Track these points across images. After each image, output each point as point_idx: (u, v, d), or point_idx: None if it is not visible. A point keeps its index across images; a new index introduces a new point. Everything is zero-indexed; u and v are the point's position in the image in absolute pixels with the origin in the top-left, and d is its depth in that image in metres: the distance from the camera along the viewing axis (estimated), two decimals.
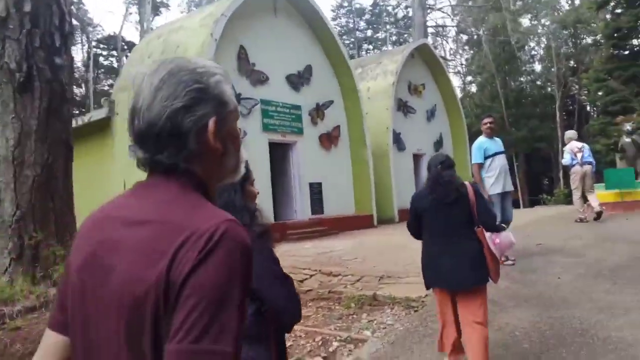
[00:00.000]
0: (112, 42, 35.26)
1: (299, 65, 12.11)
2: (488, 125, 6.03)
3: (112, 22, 75.44)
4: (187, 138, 0.84)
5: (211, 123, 0.85)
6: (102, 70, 36.19)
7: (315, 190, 12.63)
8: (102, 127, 11.30)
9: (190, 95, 0.84)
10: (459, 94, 36.15)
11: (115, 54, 35.09)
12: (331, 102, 12.98)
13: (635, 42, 25.10)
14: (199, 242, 0.75)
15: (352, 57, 26.51)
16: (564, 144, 9.17)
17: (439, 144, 17.12)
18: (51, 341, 0.91)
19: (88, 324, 0.83)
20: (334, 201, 12.88)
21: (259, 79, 11.09)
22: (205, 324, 0.71)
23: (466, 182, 3.18)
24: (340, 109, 13.42)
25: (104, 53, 36.34)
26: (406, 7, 39.00)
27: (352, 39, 41.75)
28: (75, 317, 0.86)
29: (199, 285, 0.73)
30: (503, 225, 3.43)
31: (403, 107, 15.61)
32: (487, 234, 3.01)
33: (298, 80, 12.12)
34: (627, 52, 24.82)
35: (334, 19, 41.78)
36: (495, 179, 5.76)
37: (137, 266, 0.77)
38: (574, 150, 8.60)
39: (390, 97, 14.27)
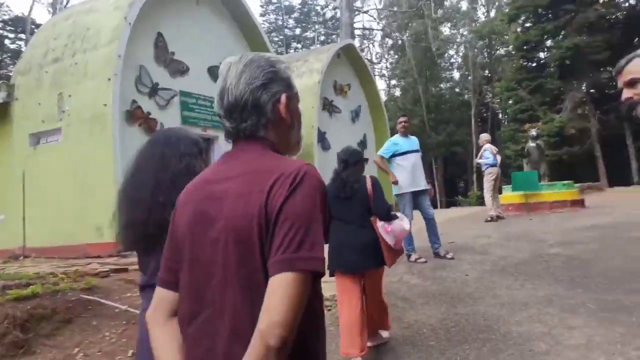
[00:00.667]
0: (20, 24, 32.28)
1: (221, 58, 11.55)
2: (402, 123, 6.15)
3: (21, 2, 69.19)
4: (265, 109, 1.09)
5: (283, 97, 1.11)
6: (9, 54, 33.01)
7: None
8: (0, 113, 10.21)
9: (266, 76, 1.10)
10: (383, 96, 37.24)
11: (24, 37, 32.15)
12: None
13: (541, 55, 27.20)
14: (287, 180, 0.99)
15: (280, 54, 26.30)
16: (478, 148, 9.65)
17: (362, 144, 17.39)
18: (161, 295, 1.12)
19: (196, 261, 1.05)
20: None
21: (179, 69, 10.55)
22: (301, 239, 0.95)
23: (366, 176, 3.57)
24: None
25: (11, 35, 33.18)
26: (334, 8, 39.46)
27: (281, 37, 41.54)
28: (186, 261, 1.07)
29: (291, 211, 0.96)
30: (396, 214, 3.62)
31: (328, 107, 15.68)
32: (380, 223, 3.40)
33: None
34: (534, 64, 26.84)
35: (262, 15, 41.36)
36: (406, 177, 5.84)
37: (240, 206, 1.00)
38: (494, 152, 9.10)
39: (316, 95, 14.26)
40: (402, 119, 6.27)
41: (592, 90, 25.53)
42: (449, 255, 5.79)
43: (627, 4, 26.93)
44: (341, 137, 16.09)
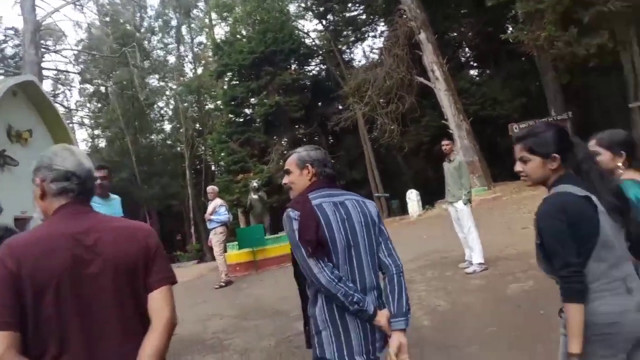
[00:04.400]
0: None
1: None
2: (99, 180, 4.22)
3: None
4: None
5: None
6: None
7: None
8: None
9: None
10: (85, 147, 32.73)
11: None
12: None
13: (247, 111, 28.63)
14: (149, 232, 1.60)
15: None
16: (197, 200, 8.35)
17: None
18: (11, 338, 1.33)
19: (81, 292, 1.41)
20: None
21: None
22: (169, 266, 1.59)
23: None
24: None
25: None
26: (17, 45, 33.06)
27: None
28: (66, 298, 1.39)
29: (161, 250, 1.58)
30: None
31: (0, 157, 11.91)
32: None
33: None
34: (242, 119, 28.02)
35: None
36: None
37: (123, 248, 1.49)
38: (227, 207, 8.03)
39: None
40: (97, 173, 4.34)
41: (292, 145, 28.26)
42: None
43: (311, 74, 31.43)
44: (19, 195, 12.38)
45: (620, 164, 2.13)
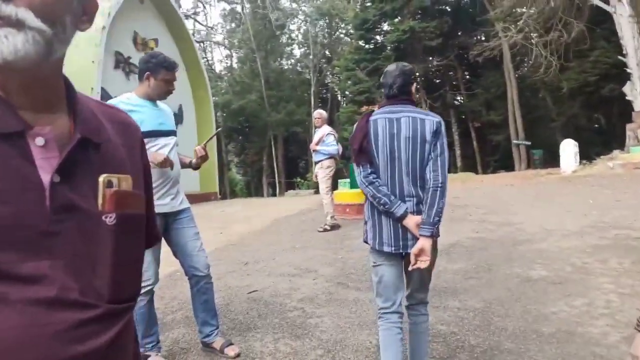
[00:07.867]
0: None
1: None
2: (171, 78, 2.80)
3: None
4: None
5: None
6: None
7: None
8: None
9: None
10: (219, 67, 33.44)
11: None
12: None
13: (378, 37, 26.42)
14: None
15: None
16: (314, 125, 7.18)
17: (178, 116, 13.93)
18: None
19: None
20: None
21: None
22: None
23: None
24: None
25: None
26: None
27: None
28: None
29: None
30: None
31: (125, 64, 11.86)
32: None
33: None
34: (372, 46, 25.99)
35: None
36: (158, 187, 2.69)
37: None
38: (336, 136, 6.86)
39: (99, 45, 10.34)
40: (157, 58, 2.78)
41: (424, 77, 25.73)
42: (230, 351, 2.77)
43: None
44: None
45: None
